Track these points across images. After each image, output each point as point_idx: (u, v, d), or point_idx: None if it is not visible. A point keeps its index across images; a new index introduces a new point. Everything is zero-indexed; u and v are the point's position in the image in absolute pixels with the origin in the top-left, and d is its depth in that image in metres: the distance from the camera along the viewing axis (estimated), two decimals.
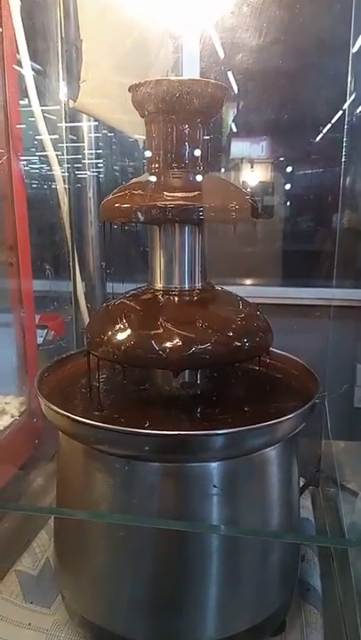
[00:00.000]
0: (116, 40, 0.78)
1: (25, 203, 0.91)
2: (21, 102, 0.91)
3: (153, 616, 0.53)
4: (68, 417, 0.49)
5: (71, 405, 0.55)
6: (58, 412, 0.50)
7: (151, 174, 0.55)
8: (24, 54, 0.87)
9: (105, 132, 1.28)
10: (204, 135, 0.53)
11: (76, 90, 0.82)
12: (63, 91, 0.97)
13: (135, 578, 0.52)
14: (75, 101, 0.83)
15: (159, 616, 0.53)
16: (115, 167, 1.38)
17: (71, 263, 1.01)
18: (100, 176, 1.32)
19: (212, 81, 0.50)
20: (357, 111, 1.02)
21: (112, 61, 0.79)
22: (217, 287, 0.60)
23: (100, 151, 1.25)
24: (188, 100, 0.48)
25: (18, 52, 0.82)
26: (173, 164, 0.53)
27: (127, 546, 0.52)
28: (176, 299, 0.57)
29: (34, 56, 0.94)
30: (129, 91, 0.53)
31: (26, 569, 0.68)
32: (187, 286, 0.58)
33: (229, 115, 1.29)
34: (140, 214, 0.51)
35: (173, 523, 0.47)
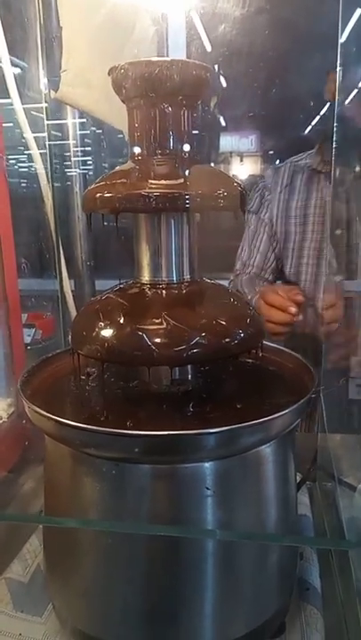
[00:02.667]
0: (97, 27, 0.76)
1: (8, 200, 0.89)
2: (4, 101, 0.89)
3: (147, 624, 0.51)
4: (53, 419, 0.47)
5: (56, 407, 0.53)
6: (42, 415, 0.48)
7: (134, 162, 0.53)
8: (2, 48, 0.85)
9: (93, 128, 1.26)
10: (189, 120, 0.51)
11: (58, 80, 0.80)
12: (43, 82, 0.94)
13: (127, 585, 0.50)
14: (56, 92, 0.80)
15: (153, 624, 0.51)
16: (104, 164, 1.36)
17: (57, 261, 0.98)
18: (89, 173, 1.29)
19: (196, 61, 0.48)
20: (346, 102, 1.01)
21: (94, 49, 0.77)
22: (206, 280, 0.58)
23: (89, 148, 1.23)
24: (168, 77, 0.46)
25: None
26: (157, 151, 0.51)
27: (118, 552, 0.50)
28: (164, 292, 0.54)
29: (12, 49, 0.91)
30: (109, 74, 0.50)
31: (16, 576, 0.66)
32: (175, 279, 0.55)
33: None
34: (123, 203, 0.49)
35: (166, 529, 0.45)
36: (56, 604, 0.59)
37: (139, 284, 0.56)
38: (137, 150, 0.52)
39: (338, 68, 0.95)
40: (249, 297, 1.09)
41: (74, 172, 1.19)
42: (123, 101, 0.52)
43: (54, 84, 0.83)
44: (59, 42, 0.80)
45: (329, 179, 1.11)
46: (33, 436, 0.87)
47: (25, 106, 0.92)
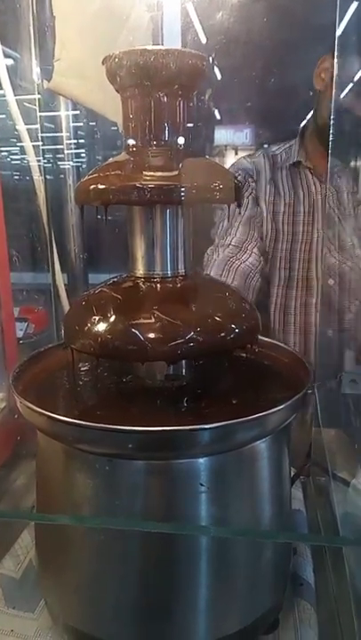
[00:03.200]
0: (92, 15, 0.75)
1: (0, 193, 0.87)
2: None
3: (139, 620, 0.51)
4: (45, 415, 0.46)
5: (49, 402, 0.52)
6: (34, 410, 0.47)
7: (128, 153, 0.52)
8: None
9: (86, 120, 1.24)
10: (184, 110, 0.50)
11: (51, 70, 0.78)
12: (36, 72, 0.92)
13: (120, 581, 0.50)
14: (49, 82, 0.79)
15: (146, 620, 0.50)
16: (97, 157, 1.34)
17: (49, 254, 0.97)
18: (83, 166, 1.28)
19: (191, 50, 0.47)
20: (342, 95, 1.00)
21: (87, 38, 0.75)
22: (201, 272, 0.58)
23: (82, 141, 1.21)
24: (164, 65, 0.45)
25: None
26: (152, 142, 0.50)
27: (111, 548, 0.49)
28: (158, 286, 0.54)
29: (4, 39, 0.90)
30: (103, 63, 0.49)
31: (8, 572, 0.66)
32: (169, 272, 0.54)
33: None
34: (117, 195, 0.48)
35: (160, 525, 0.45)
36: (48, 600, 0.59)
37: (133, 278, 0.55)
38: (131, 141, 0.51)
39: (335, 61, 0.94)
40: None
41: (67, 164, 1.18)
42: (117, 91, 0.51)
43: (47, 73, 0.82)
44: (52, 31, 0.78)
45: (316, 175, 1.09)
46: (25, 431, 0.86)
47: (17, 97, 0.90)
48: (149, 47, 0.46)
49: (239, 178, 1.09)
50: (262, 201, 1.09)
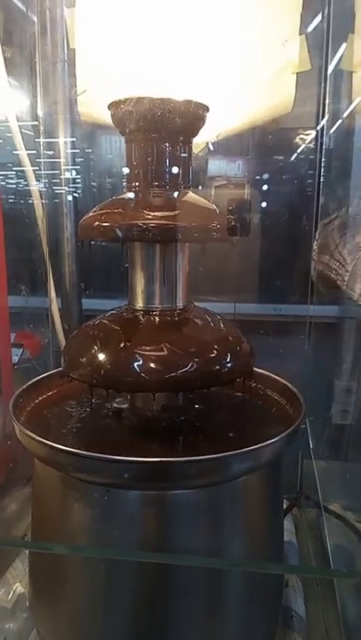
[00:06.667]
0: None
1: (1, 218, 0.89)
2: None
3: None
4: (45, 444, 0.47)
5: (47, 431, 0.53)
6: (34, 439, 0.48)
7: (131, 192, 0.54)
8: (1, 69, 0.86)
9: (83, 146, 1.27)
10: (185, 154, 0.52)
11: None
12: (40, 106, 0.96)
13: (115, 613, 0.50)
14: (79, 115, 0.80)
15: None
16: (92, 183, 1.37)
17: (48, 281, 0.99)
18: (78, 192, 1.30)
19: (195, 100, 0.49)
20: (331, 131, 1.04)
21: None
22: (198, 306, 0.59)
23: (78, 167, 1.24)
24: (169, 118, 0.48)
25: None
26: (154, 183, 0.52)
27: (107, 579, 0.49)
28: (157, 319, 0.55)
29: (10, 71, 0.93)
30: (108, 108, 0.52)
31: None
32: (167, 306, 0.56)
33: None
34: (120, 233, 0.50)
35: (154, 555, 0.45)
36: (41, 630, 0.58)
37: (132, 310, 0.57)
38: (134, 181, 0.53)
39: (326, 100, 0.98)
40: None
41: (62, 189, 1.20)
42: (122, 134, 0.53)
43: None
44: (71, 63, 0.81)
45: None
46: (18, 457, 0.86)
47: (20, 123, 0.93)
48: (154, 96, 0.48)
49: None
50: None
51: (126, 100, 0.49)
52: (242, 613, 0.53)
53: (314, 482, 0.77)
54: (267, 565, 0.52)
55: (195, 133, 0.53)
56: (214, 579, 0.50)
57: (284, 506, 0.69)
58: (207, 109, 0.51)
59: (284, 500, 0.66)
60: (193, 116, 0.50)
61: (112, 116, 0.52)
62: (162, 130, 0.49)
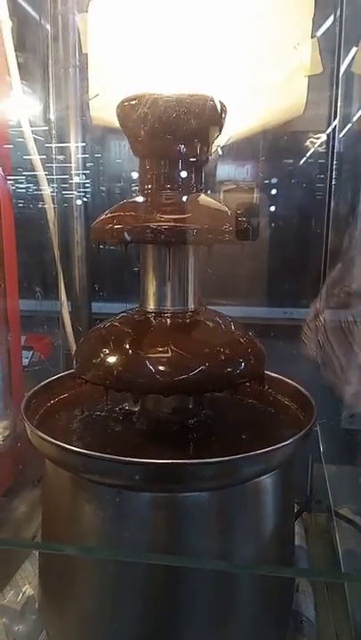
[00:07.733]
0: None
1: (12, 222, 0.90)
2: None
3: None
4: (57, 445, 0.47)
5: (59, 432, 0.53)
6: (45, 440, 0.48)
7: (143, 195, 0.54)
8: (15, 75, 0.87)
9: (94, 149, 1.28)
10: (198, 157, 0.52)
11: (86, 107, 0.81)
12: (52, 111, 0.96)
13: (124, 615, 0.50)
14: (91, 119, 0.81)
15: None
16: (101, 188, 1.38)
17: (59, 284, 0.99)
18: (87, 196, 1.31)
19: (211, 99, 0.49)
20: (340, 135, 1.04)
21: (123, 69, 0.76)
22: (209, 308, 0.59)
23: (88, 171, 1.25)
24: (184, 120, 0.48)
25: (8, 74, 0.81)
26: (166, 185, 0.53)
27: (116, 581, 0.49)
28: (168, 321, 0.55)
29: (23, 76, 0.94)
30: (117, 109, 0.52)
31: (8, 603, 0.65)
32: (179, 308, 0.56)
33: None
34: (132, 235, 0.50)
35: (164, 557, 0.45)
36: (50, 632, 0.59)
37: (143, 312, 0.57)
38: (146, 183, 0.54)
39: (339, 103, 0.98)
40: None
41: (73, 194, 1.21)
42: (128, 136, 0.53)
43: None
44: (83, 68, 0.81)
45: None
46: (27, 459, 0.86)
47: (33, 128, 0.94)
48: (169, 96, 0.48)
49: None
50: None
51: (137, 101, 0.49)
52: (252, 617, 0.53)
53: (324, 486, 0.76)
54: (277, 568, 0.51)
55: (212, 134, 0.52)
56: (224, 582, 0.50)
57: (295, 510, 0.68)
58: (225, 110, 0.51)
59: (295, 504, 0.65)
60: (209, 116, 0.50)
61: (118, 115, 0.52)
62: (176, 132, 0.49)
